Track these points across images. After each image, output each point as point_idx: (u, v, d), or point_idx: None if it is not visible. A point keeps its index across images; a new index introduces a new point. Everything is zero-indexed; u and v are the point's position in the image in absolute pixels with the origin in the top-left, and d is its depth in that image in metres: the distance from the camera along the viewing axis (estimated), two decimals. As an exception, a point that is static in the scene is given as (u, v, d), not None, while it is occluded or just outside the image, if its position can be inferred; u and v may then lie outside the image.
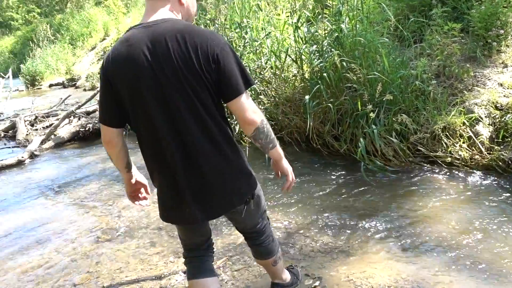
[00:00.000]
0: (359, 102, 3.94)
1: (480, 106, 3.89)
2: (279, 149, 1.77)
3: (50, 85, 15.60)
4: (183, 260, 2.76)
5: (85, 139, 6.71)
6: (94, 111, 7.26)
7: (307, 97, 4.09)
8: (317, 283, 2.35)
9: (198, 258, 1.96)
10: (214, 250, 2.06)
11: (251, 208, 1.81)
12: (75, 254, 3.10)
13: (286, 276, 2.26)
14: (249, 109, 1.59)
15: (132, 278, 2.67)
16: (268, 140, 1.69)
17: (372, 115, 3.79)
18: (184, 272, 2.63)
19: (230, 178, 1.69)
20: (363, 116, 3.97)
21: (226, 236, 3.04)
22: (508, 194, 3.15)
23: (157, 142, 1.62)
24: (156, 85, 1.54)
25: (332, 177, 3.87)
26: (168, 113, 1.57)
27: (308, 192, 3.60)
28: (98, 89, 7.55)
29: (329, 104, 4.08)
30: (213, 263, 2.02)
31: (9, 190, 4.80)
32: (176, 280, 2.57)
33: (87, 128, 6.69)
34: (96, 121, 6.76)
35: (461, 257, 2.49)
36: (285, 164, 1.82)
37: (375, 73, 3.94)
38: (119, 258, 2.97)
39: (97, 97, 7.56)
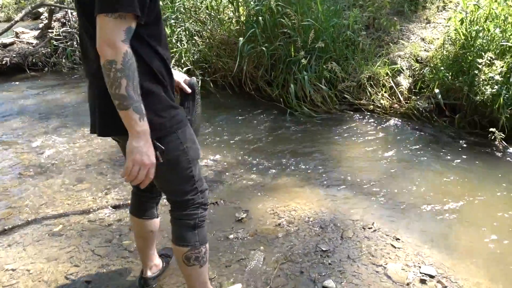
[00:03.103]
0: (292, 48, 4.01)
1: (403, 58, 4.15)
2: (133, 117, 1.25)
3: (-42, 13, 13.86)
4: (112, 195, 2.81)
5: (1, 73, 6.18)
6: (11, 44, 6.65)
7: (241, 39, 4.08)
8: (244, 215, 2.49)
9: (138, 196, 1.84)
10: (160, 197, 1.88)
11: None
12: (-5, 190, 2.96)
13: None
14: (104, 38, 1.22)
15: (58, 213, 2.63)
16: (113, 91, 1.23)
17: (304, 61, 3.90)
18: (113, 207, 2.65)
19: None
20: (296, 62, 4.07)
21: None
22: (419, 138, 3.48)
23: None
24: None
25: (263, 121, 3.98)
26: None
27: (238, 135, 3.69)
28: (15, 20, 6.85)
29: (263, 48, 4.11)
30: (155, 207, 1.87)
31: None
32: (105, 214, 2.58)
33: (3, 62, 6.14)
34: (14, 55, 6.23)
35: (374, 192, 2.76)
36: (135, 143, 1.28)
37: (309, 20, 4.01)
38: (44, 194, 2.89)
39: (14, 28, 6.95)
